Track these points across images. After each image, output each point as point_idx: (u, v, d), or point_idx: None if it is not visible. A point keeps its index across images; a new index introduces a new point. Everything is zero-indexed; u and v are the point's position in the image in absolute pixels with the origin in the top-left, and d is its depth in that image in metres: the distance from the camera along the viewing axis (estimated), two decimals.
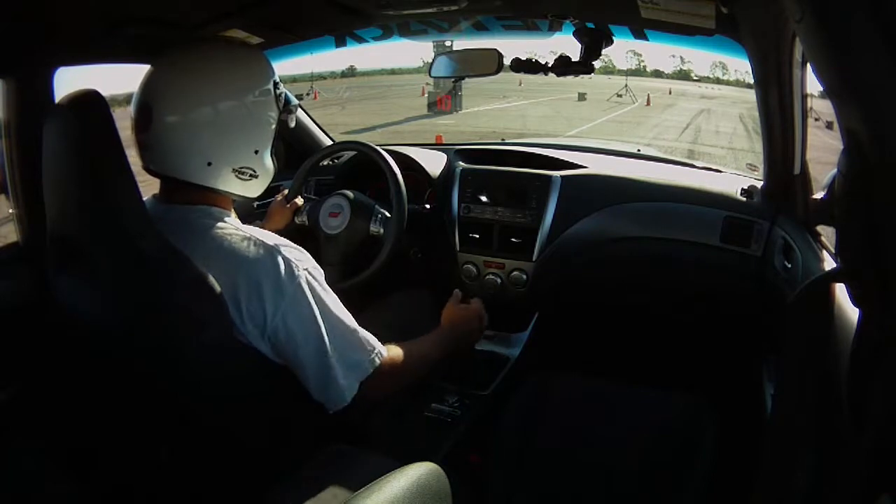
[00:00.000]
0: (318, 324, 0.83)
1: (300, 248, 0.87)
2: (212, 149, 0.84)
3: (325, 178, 1.63)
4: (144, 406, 0.85)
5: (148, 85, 0.84)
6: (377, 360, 0.88)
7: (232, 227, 0.85)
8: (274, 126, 0.91)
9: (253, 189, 0.91)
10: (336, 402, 0.85)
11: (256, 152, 0.89)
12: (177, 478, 0.89)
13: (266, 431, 0.87)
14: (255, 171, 0.89)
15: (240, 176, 0.88)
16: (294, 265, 0.83)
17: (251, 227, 0.86)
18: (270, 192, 1.67)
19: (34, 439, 0.96)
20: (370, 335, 0.90)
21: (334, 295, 0.87)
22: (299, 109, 1.75)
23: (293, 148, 1.76)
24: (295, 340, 0.82)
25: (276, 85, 0.90)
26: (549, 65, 1.25)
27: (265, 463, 0.86)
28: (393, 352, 0.93)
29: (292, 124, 0.99)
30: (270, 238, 0.84)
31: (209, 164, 0.84)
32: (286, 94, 0.94)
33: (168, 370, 0.81)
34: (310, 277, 0.84)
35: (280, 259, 0.82)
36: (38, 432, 0.96)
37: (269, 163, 0.92)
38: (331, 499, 0.76)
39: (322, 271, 0.87)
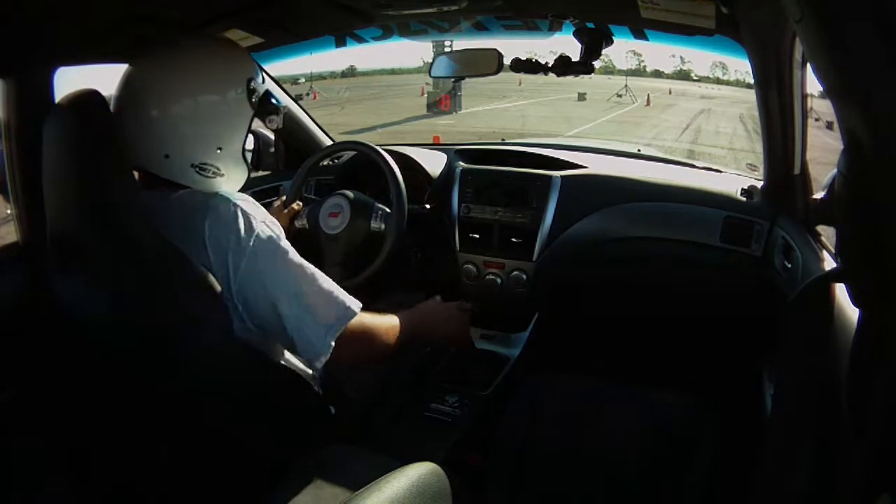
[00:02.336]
0: (287, 274, 0.83)
1: (254, 201, 0.85)
2: (167, 141, 0.84)
3: (325, 178, 1.63)
4: (144, 405, 0.85)
5: (121, 82, 0.85)
6: (351, 315, 0.87)
7: (196, 190, 0.85)
8: (244, 125, 0.89)
9: (222, 188, 0.89)
10: (317, 353, 0.84)
11: (220, 150, 0.87)
12: (177, 478, 0.89)
13: (266, 431, 0.87)
14: (218, 169, 0.88)
15: (201, 173, 0.86)
16: (252, 217, 0.82)
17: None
18: (270, 192, 1.69)
19: (34, 439, 0.96)
20: (344, 293, 0.89)
21: (293, 249, 0.86)
22: (299, 109, 1.76)
23: (293, 148, 1.76)
24: (265, 293, 0.81)
25: (250, 83, 0.88)
26: (549, 65, 1.25)
27: (265, 462, 0.86)
28: (366, 315, 0.91)
29: (273, 126, 0.96)
30: (230, 193, 0.84)
31: (166, 156, 0.84)
32: (272, 96, 0.92)
33: (168, 370, 0.81)
34: (267, 229, 0.83)
35: (239, 211, 0.81)
36: (38, 432, 0.96)
37: (238, 162, 0.90)
38: (331, 499, 0.76)
39: (279, 224, 0.86)
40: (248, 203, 0.84)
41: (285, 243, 0.85)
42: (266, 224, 0.84)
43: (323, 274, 0.88)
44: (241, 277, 0.80)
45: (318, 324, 0.84)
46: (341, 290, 0.89)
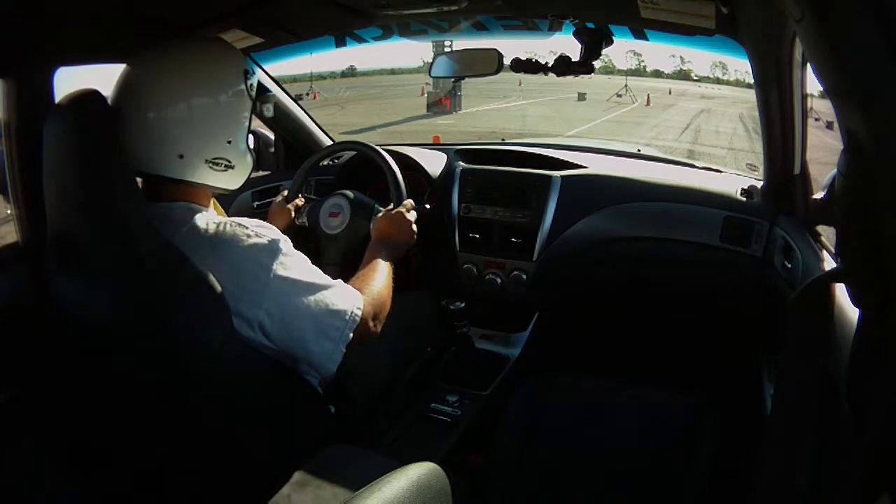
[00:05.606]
0: (306, 293, 0.85)
1: (265, 223, 0.87)
2: (182, 140, 0.84)
3: (325, 178, 1.63)
4: (145, 406, 0.85)
5: (118, 87, 0.85)
6: (358, 310, 0.90)
7: (209, 218, 0.85)
8: (246, 115, 0.91)
9: (231, 181, 0.91)
10: (336, 361, 0.87)
11: (229, 142, 0.89)
12: (177, 478, 0.89)
13: (266, 431, 0.87)
14: (229, 162, 0.89)
15: (213, 167, 0.88)
16: (271, 243, 0.84)
17: (226, 217, 0.87)
18: (270, 192, 1.69)
19: (34, 439, 0.96)
20: (343, 284, 0.91)
21: (304, 257, 0.89)
22: (299, 109, 1.76)
23: (293, 148, 1.76)
24: (287, 316, 0.83)
25: (246, 74, 0.90)
26: (549, 65, 1.25)
27: (265, 463, 0.86)
28: (367, 294, 0.94)
29: (269, 114, 1.00)
30: (245, 221, 0.85)
31: (180, 156, 0.85)
32: (261, 84, 0.95)
33: (168, 370, 0.81)
34: (286, 250, 0.85)
35: (257, 240, 0.83)
36: (38, 432, 0.96)
37: (245, 153, 0.92)
38: (331, 499, 0.76)
39: (288, 239, 0.88)
40: (265, 228, 0.85)
41: (299, 264, 0.87)
42: (286, 252, 0.85)
43: (326, 277, 0.89)
44: (266, 306, 0.82)
45: (335, 341, 0.87)
46: (344, 287, 0.91)
